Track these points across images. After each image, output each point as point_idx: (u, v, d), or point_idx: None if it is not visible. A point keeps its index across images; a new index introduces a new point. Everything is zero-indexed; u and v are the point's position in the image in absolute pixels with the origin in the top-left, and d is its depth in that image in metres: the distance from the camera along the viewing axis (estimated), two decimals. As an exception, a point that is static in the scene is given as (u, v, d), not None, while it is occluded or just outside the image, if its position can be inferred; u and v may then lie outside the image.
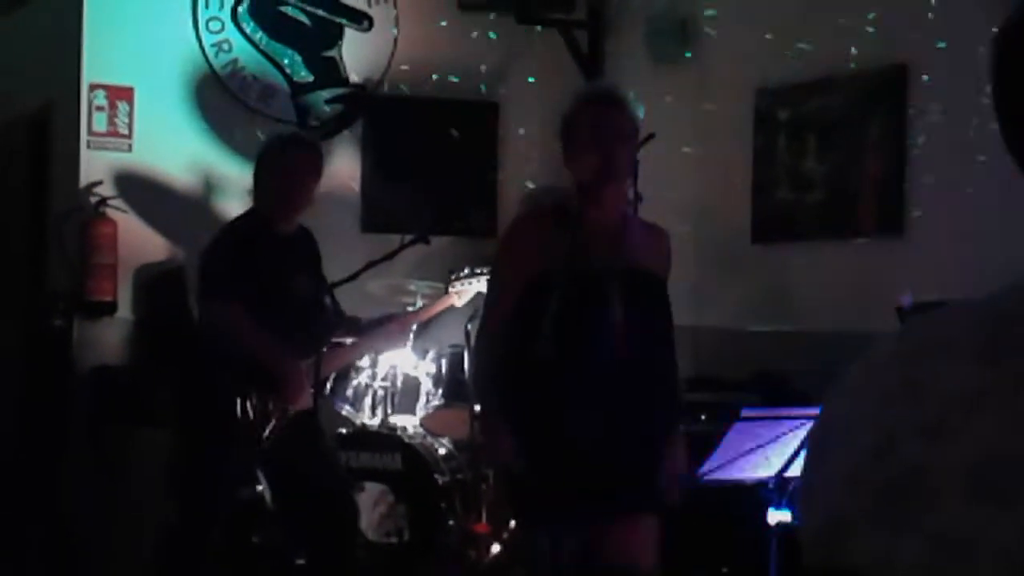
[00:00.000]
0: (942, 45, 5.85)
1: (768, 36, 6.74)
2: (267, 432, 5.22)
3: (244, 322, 5.14)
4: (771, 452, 4.23)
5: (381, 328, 5.74)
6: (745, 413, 4.19)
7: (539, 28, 7.76)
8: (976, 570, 1.04)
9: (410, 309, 6.19)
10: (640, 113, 4.33)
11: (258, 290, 5.16)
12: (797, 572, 1.22)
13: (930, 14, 5.90)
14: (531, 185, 7.35)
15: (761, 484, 4.34)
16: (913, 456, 1.09)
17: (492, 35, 7.78)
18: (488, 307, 4.34)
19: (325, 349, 5.38)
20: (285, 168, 5.34)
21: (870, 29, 6.18)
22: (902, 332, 1.22)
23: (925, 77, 5.97)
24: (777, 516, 4.28)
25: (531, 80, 7.84)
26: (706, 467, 4.16)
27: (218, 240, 5.37)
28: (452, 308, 6.00)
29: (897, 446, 1.11)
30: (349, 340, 5.72)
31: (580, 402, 4.05)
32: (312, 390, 5.35)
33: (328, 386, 6.24)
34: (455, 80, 7.76)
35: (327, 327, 5.41)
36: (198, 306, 5.47)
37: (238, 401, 5.15)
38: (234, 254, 5.25)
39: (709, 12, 7.14)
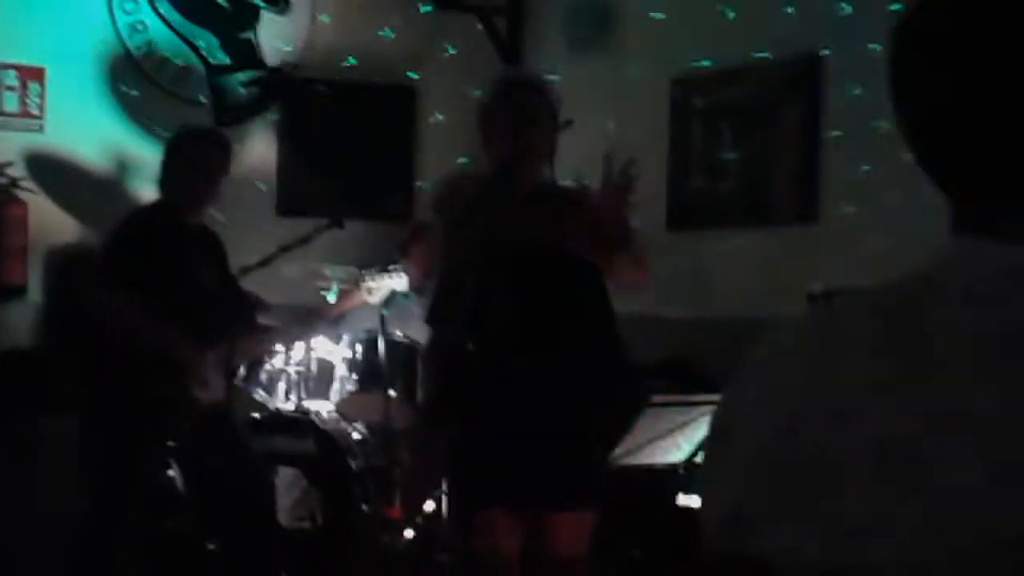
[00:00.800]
0: (844, 36, 5.90)
1: (684, 24, 6.78)
2: (180, 421, 5.19)
3: (131, 309, 5.10)
4: (681, 437, 4.26)
5: (295, 322, 5.77)
6: (656, 399, 4.22)
7: (458, 13, 7.75)
8: (869, 554, 1.05)
9: (326, 298, 6.16)
10: (558, 98, 4.33)
11: (160, 280, 5.13)
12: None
13: (843, 3, 5.96)
14: (445, 171, 7.34)
15: (671, 469, 4.37)
16: (816, 443, 1.10)
17: (410, 19, 7.76)
18: (440, 291, 4.31)
19: (237, 338, 5.36)
20: (199, 162, 5.32)
21: (785, 17, 6.23)
22: (804, 323, 1.24)
23: (838, 65, 6.02)
24: (687, 500, 4.31)
25: (449, 65, 7.82)
26: (617, 452, 4.18)
27: (119, 228, 5.34)
28: (365, 305, 6.00)
29: (800, 433, 1.12)
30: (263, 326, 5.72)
31: (498, 392, 4.04)
32: (224, 379, 5.33)
33: (241, 371, 6.21)
34: (372, 64, 7.73)
35: (234, 318, 5.38)
36: (90, 293, 5.42)
37: (140, 390, 5.12)
38: (135, 243, 5.22)
39: (627, 0, 7.17)
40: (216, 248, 5.51)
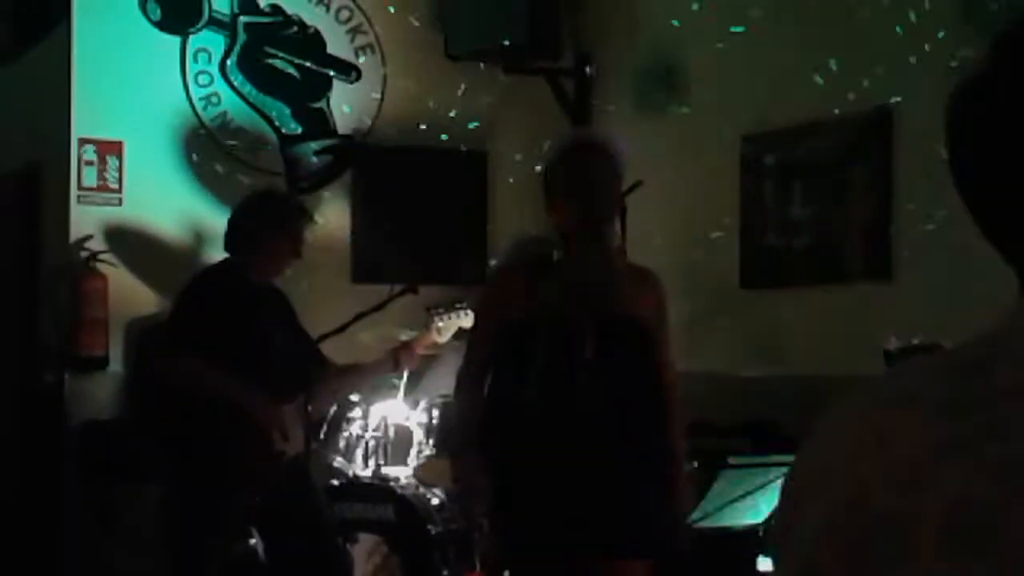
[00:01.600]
0: (917, 91, 5.88)
1: (753, 82, 6.78)
2: (265, 476, 5.22)
3: (198, 369, 5.14)
4: (760, 499, 4.23)
5: (370, 363, 5.75)
6: (733, 460, 4.19)
7: (527, 77, 7.80)
8: None
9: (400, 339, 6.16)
10: (621, 159, 4.33)
11: (227, 338, 5.16)
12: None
13: (913, 57, 5.94)
14: (519, 234, 7.36)
15: (751, 531, 4.34)
16: (886, 507, 1.10)
17: (479, 84, 7.81)
18: (466, 356, 4.38)
19: (313, 390, 5.38)
20: (289, 232, 5.37)
21: (854, 71, 6.22)
22: (872, 384, 1.24)
23: (909, 119, 6.00)
24: (767, 563, 4.27)
25: (520, 128, 7.86)
26: (695, 514, 4.16)
27: (184, 291, 5.39)
28: (436, 346, 5.99)
29: (869, 497, 1.12)
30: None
31: (555, 450, 4.06)
32: (303, 432, 5.36)
33: (321, 434, 6.24)
34: (443, 130, 7.78)
35: (307, 376, 5.40)
36: (156, 359, 5.47)
37: (226, 450, 5.16)
38: (200, 304, 5.27)
39: (694, 59, 7.19)
40: (283, 304, 5.54)
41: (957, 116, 1.19)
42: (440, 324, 5.81)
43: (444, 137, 7.80)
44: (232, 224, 5.47)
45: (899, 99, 6.04)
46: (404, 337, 6.06)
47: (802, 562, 1.17)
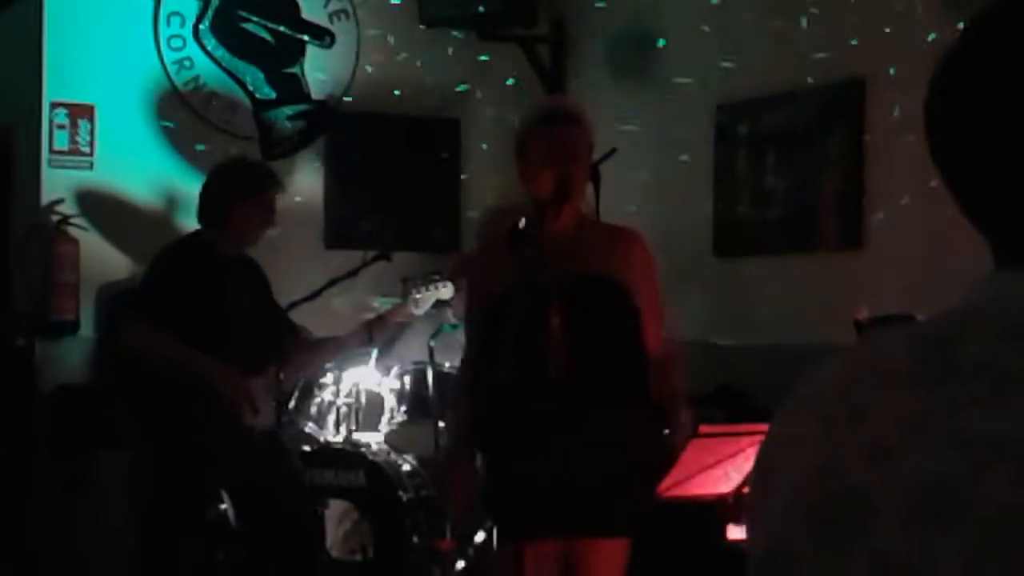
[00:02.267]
0: (891, 62, 5.89)
1: (728, 52, 6.78)
2: (232, 449, 5.22)
3: (158, 337, 5.11)
4: (731, 468, 4.25)
5: (343, 335, 5.72)
6: (703, 429, 4.20)
7: (502, 43, 7.78)
8: None
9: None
10: (592, 127, 4.32)
11: (197, 310, 5.14)
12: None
13: (887, 28, 5.95)
14: (492, 201, 7.36)
15: (721, 500, 4.35)
16: (855, 478, 1.10)
17: (454, 51, 7.79)
18: (466, 338, 4.43)
19: (284, 361, 5.37)
20: (258, 201, 5.34)
21: (828, 43, 6.22)
22: (843, 356, 1.24)
23: (881, 88, 6.01)
24: (736, 532, 4.29)
25: (493, 95, 7.85)
26: (665, 483, 4.17)
27: (154, 264, 5.37)
28: (412, 318, 5.97)
29: (839, 468, 1.12)
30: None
31: (534, 421, 4.06)
32: (274, 404, 5.35)
33: (292, 404, 6.24)
34: (417, 96, 7.76)
35: (277, 348, 5.38)
36: (122, 330, 5.44)
37: (194, 418, 5.15)
38: (170, 277, 5.24)
39: (670, 27, 7.18)
40: (255, 274, 5.52)
41: (935, 93, 1.20)
42: (417, 296, 5.78)
43: (417, 102, 7.77)
44: (201, 195, 5.44)
45: (872, 69, 6.05)
46: (378, 307, 6.05)
47: (772, 530, 1.18)
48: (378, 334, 5.71)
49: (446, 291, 5.77)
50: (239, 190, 5.35)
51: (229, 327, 5.22)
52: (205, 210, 5.40)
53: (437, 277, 5.79)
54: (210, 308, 5.20)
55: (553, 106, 4.54)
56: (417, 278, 5.86)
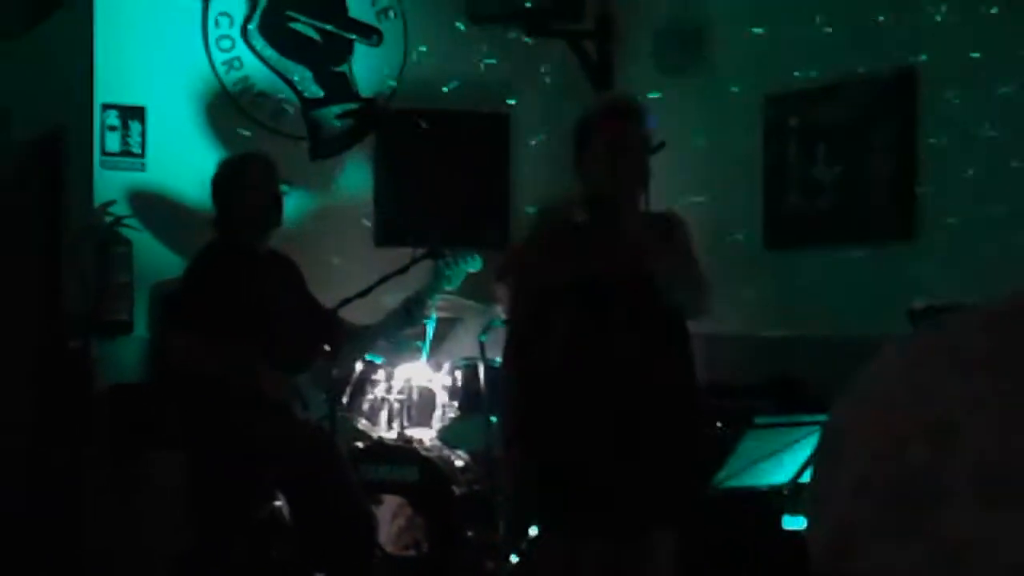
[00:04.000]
0: (940, 50, 5.85)
1: (776, 43, 6.76)
2: (283, 446, 5.24)
3: (199, 348, 5.14)
4: (785, 458, 4.24)
5: (383, 319, 5.72)
6: (758, 420, 4.20)
7: (549, 39, 7.77)
8: (973, 572, 1.05)
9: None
10: (654, 124, 4.34)
11: (234, 313, 5.17)
12: (809, 579, 1.23)
13: (938, 17, 5.91)
14: (542, 197, 7.36)
15: (776, 491, 4.34)
16: (920, 460, 1.10)
17: (501, 46, 7.79)
18: (508, 326, 4.43)
19: (330, 355, 5.38)
20: (250, 189, 5.36)
21: (877, 30, 6.19)
22: (907, 339, 1.24)
23: (933, 76, 5.97)
24: (792, 523, 4.28)
25: (542, 91, 7.85)
26: (721, 474, 4.17)
27: (187, 272, 5.42)
28: (456, 309, 5.96)
29: (904, 450, 1.12)
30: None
31: (588, 414, 4.07)
32: (326, 396, 5.37)
33: (345, 398, 6.26)
34: (465, 92, 7.76)
35: (320, 340, 5.40)
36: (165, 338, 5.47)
37: (247, 416, 5.17)
38: (202, 282, 5.28)
39: (716, 21, 7.16)
40: (288, 271, 5.54)
41: None
42: (448, 272, 5.82)
43: (466, 99, 7.78)
44: (213, 202, 5.49)
45: (923, 58, 6.01)
46: (429, 304, 6.06)
47: (835, 517, 1.18)
48: (415, 311, 5.73)
49: (476, 265, 5.82)
50: (231, 181, 5.41)
51: (265, 324, 5.24)
52: (217, 212, 5.45)
53: (467, 251, 5.84)
54: (244, 307, 5.22)
55: (617, 100, 4.55)
56: (447, 254, 5.88)
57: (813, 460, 1.24)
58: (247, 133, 7.34)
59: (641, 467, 4.08)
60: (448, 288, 5.86)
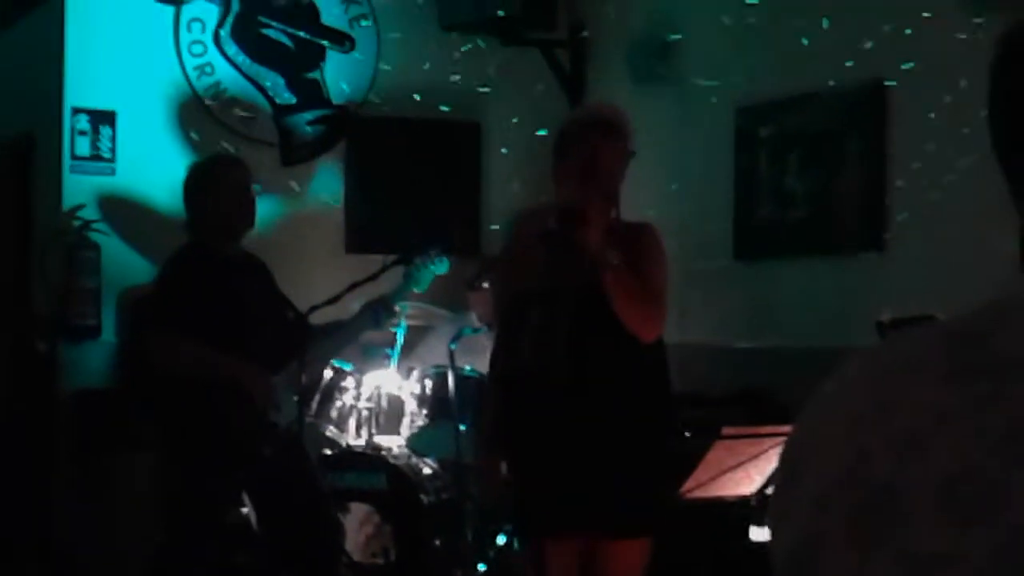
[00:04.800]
0: (912, 63, 5.88)
1: (748, 54, 6.77)
2: (257, 447, 5.23)
3: (185, 346, 5.13)
4: (753, 469, 4.24)
5: (349, 320, 5.71)
6: (726, 431, 4.20)
7: (521, 48, 7.78)
8: None
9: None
10: (632, 136, 4.36)
11: (210, 314, 5.15)
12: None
13: (907, 30, 5.93)
14: (513, 205, 7.36)
15: (743, 501, 4.34)
16: (883, 474, 1.10)
17: (474, 55, 7.79)
18: (494, 347, 4.46)
19: (301, 357, 5.37)
20: (221, 192, 5.35)
21: (849, 45, 6.21)
22: (871, 353, 1.24)
23: (903, 91, 5.99)
24: (759, 533, 4.29)
25: (514, 100, 7.85)
26: (688, 484, 4.17)
27: (161, 274, 5.40)
28: (435, 320, 5.94)
29: (867, 465, 1.12)
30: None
31: (555, 420, 4.08)
32: (296, 400, 5.35)
33: (314, 404, 6.24)
34: (437, 100, 7.76)
35: (292, 342, 5.38)
36: (148, 340, 5.43)
37: (219, 420, 5.16)
38: (177, 285, 5.26)
39: (689, 31, 7.17)
40: (260, 273, 5.53)
41: (999, 76, 1.18)
42: (415, 274, 5.82)
43: (437, 107, 7.78)
44: (185, 205, 5.47)
45: (894, 70, 6.03)
46: (398, 311, 6.06)
47: (799, 529, 1.17)
48: (383, 313, 5.72)
49: (443, 267, 5.81)
50: (203, 184, 5.39)
51: (240, 327, 5.23)
52: (189, 216, 5.43)
53: (434, 252, 5.83)
54: (219, 310, 5.20)
55: (597, 114, 4.55)
56: (414, 256, 5.87)
57: (776, 472, 1.24)
58: (218, 139, 7.32)
59: (606, 475, 4.08)
60: (416, 290, 5.86)
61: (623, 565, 4.15)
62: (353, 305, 5.87)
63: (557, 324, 4.08)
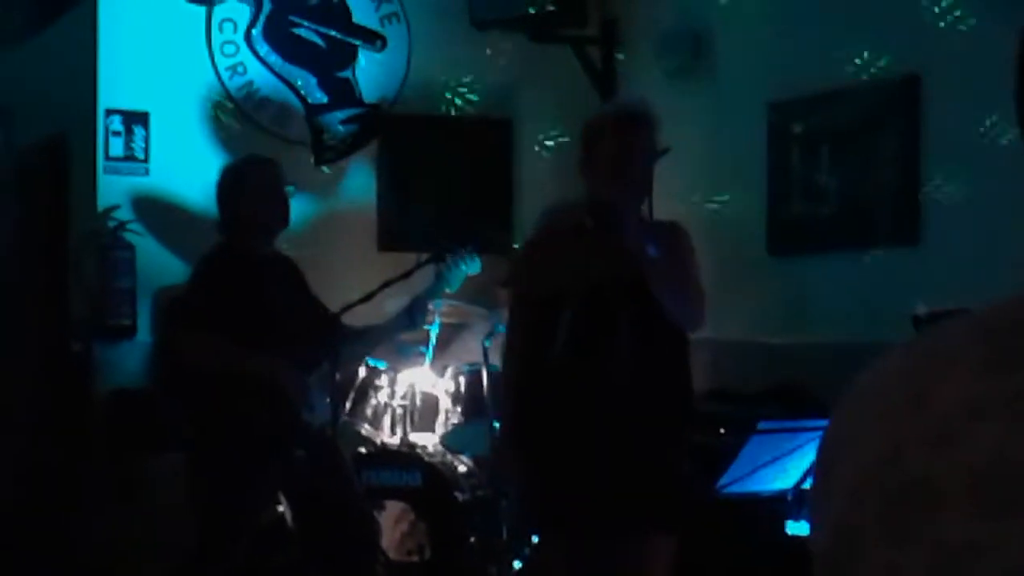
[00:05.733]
0: (951, 56, 5.85)
1: (780, 49, 6.75)
2: (291, 447, 5.24)
3: (216, 344, 5.14)
4: (789, 464, 4.23)
5: (385, 322, 5.70)
6: (762, 426, 4.19)
7: (552, 45, 7.77)
8: None
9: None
10: (660, 130, 4.35)
11: (241, 316, 5.17)
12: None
13: (941, 23, 5.90)
14: (545, 202, 7.35)
15: (779, 496, 4.33)
16: (918, 465, 1.10)
17: (505, 52, 7.79)
18: (508, 327, 4.42)
19: (333, 357, 5.37)
20: (255, 192, 5.36)
21: (882, 40, 6.18)
22: (905, 346, 1.23)
23: (937, 85, 5.97)
24: (795, 528, 4.28)
25: (545, 96, 7.84)
26: (724, 480, 4.17)
27: (193, 275, 5.42)
28: (469, 318, 5.92)
29: (902, 456, 1.11)
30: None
31: (584, 417, 4.07)
32: (329, 400, 5.36)
33: (348, 403, 6.26)
34: (470, 98, 7.76)
35: (324, 342, 5.39)
36: (179, 339, 5.45)
37: (252, 419, 5.17)
38: (209, 286, 5.28)
39: (720, 26, 7.16)
40: (291, 273, 5.54)
41: (1023, 68, 1.18)
42: (447, 274, 5.80)
43: (470, 97, 7.78)
44: (218, 207, 5.48)
45: (927, 64, 6.01)
46: (432, 309, 6.05)
47: (835, 522, 1.17)
48: (417, 315, 5.71)
49: (475, 266, 5.78)
50: (235, 185, 5.40)
51: (272, 327, 5.24)
52: (222, 216, 5.44)
53: (466, 251, 5.80)
54: (251, 310, 5.22)
55: (626, 107, 4.54)
56: (446, 256, 5.85)
57: (813, 465, 1.24)
58: (250, 138, 7.34)
59: (634, 472, 4.07)
60: (448, 290, 5.84)
61: (649, 561, 4.13)
62: (387, 304, 5.88)
63: (594, 322, 4.07)
